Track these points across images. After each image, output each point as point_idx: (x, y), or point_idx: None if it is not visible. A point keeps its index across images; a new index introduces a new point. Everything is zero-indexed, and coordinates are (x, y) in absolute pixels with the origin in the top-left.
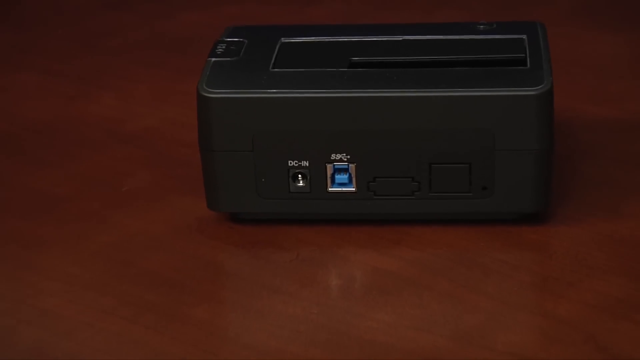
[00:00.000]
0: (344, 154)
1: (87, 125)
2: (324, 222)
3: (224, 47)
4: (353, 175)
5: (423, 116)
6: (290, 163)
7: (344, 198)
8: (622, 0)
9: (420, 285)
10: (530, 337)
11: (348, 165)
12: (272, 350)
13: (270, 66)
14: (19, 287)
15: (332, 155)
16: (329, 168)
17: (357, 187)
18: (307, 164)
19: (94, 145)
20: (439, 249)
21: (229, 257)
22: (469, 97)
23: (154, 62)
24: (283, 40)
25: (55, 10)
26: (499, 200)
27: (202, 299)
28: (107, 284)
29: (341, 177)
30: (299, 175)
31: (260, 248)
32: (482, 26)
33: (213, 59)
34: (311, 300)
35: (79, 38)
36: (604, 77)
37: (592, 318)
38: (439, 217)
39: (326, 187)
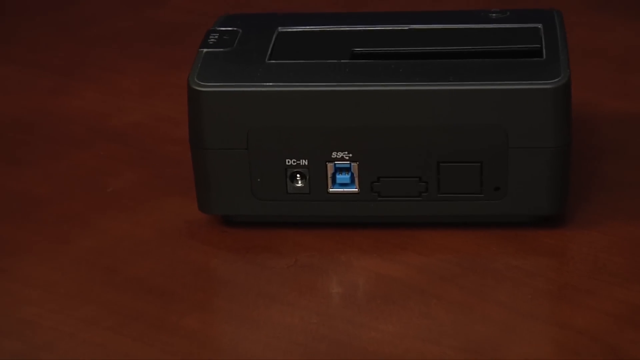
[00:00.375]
0: (346, 152)
1: (69, 121)
2: (324, 226)
3: (216, 36)
4: (355, 175)
5: (431, 111)
6: (288, 162)
7: (346, 199)
8: None
9: (428, 294)
10: (545, 350)
11: (350, 164)
12: None
13: (267, 57)
14: None
15: (333, 154)
16: (330, 167)
17: (360, 187)
18: (306, 163)
19: (76, 142)
20: (448, 254)
21: (222, 263)
22: (480, 90)
23: (142, 53)
24: (280, 29)
25: None
26: (512, 201)
27: (193, 308)
28: (91, 291)
29: (343, 177)
30: (297, 175)
31: (255, 253)
32: (494, 14)
33: (205, 50)
34: (310, 309)
35: (59, 26)
36: (626, 69)
37: (612, 329)
38: (448, 220)
39: (326, 188)
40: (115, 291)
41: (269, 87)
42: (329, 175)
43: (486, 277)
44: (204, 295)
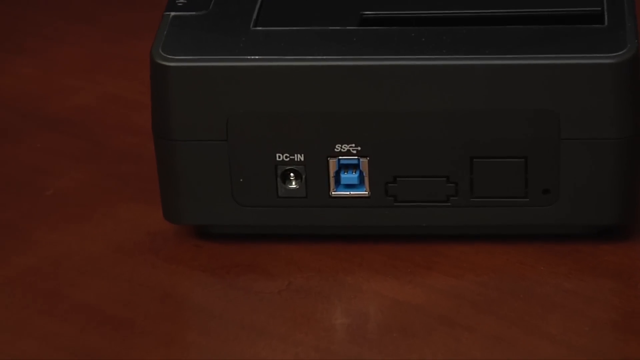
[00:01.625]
0: (353, 145)
1: None
2: (325, 239)
3: None
4: (365, 173)
5: (462, 93)
6: (279, 157)
7: (353, 205)
8: None
9: (458, 325)
10: None
11: (358, 160)
12: None
13: (252, 23)
14: None
15: (337, 147)
16: (332, 164)
17: (371, 190)
18: (302, 159)
19: (6, 132)
20: (483, 275)
21: (195, 286)
22: (525, 66)
23: (88, 16)
24: None
25: None
26: (565, 208)
27: (159, 342)
28: (28, 322)
29: (349, 177)
30: (291, 174)
31: (237, 274)
32: None
33: (172, 14)
34: (308, 344)
35: None
36: None
37: None
38: (484, 231)
39: (328, 191)
40: (60, 322)
41: (254, 61)
42: (332, 174)
43: (532, 304)
44: (172, 326)
